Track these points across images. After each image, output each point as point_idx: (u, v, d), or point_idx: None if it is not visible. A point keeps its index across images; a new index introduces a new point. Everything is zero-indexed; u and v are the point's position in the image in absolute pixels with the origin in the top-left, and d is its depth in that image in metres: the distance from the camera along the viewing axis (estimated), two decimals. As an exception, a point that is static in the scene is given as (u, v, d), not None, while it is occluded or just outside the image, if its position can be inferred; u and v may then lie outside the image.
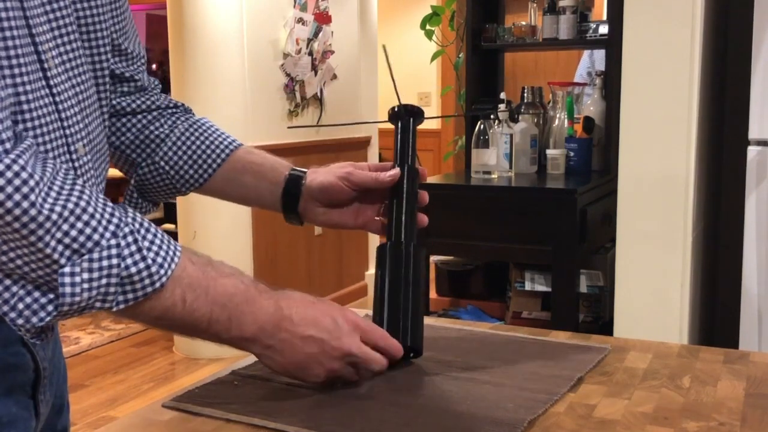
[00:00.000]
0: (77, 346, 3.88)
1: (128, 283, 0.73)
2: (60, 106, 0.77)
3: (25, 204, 0.67)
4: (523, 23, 2.99)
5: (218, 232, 3.66)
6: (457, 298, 2.95)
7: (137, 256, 0.73)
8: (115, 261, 0.72)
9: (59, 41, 0.79)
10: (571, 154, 2.77)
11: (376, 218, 1.04)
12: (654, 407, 0.82)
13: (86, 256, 0.71)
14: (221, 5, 3.59)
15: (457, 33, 3.74)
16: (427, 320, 1.11)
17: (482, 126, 2.66)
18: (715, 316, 2.75)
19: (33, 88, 0.74)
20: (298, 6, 4.07)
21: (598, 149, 2.84)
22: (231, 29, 3.64)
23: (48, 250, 0.69)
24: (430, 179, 2.81)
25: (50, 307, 0.72)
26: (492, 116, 2.71)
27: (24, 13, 0.73)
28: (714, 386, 0.88)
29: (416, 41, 4.81)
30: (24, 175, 0.67)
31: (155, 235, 0.75)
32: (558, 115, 2.88)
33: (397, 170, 0.99)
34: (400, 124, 1.03)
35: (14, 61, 0.71)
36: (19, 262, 0.70)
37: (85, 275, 0.71)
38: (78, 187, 0.72)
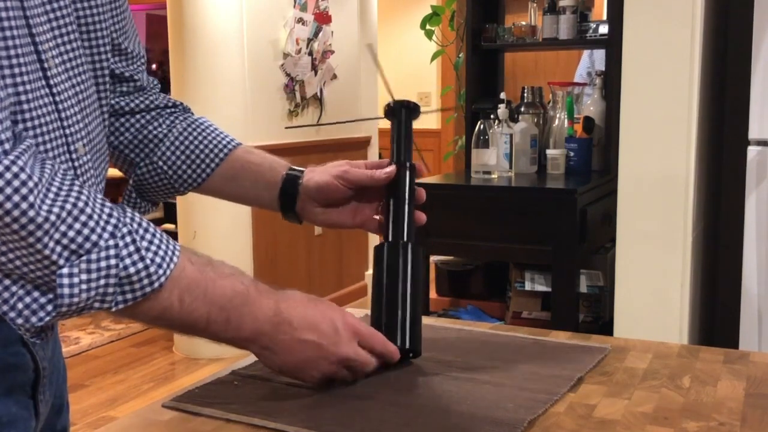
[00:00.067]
0: (77, 346, 3.88)
1: (127, 283, 0.73)
2: (60, 106, 0.77)
3: (24, 205, 0.67)
4: (523, 23, 2.99)
5: (218, 232, 3.66)
6: (457, 298, 2.95)
7: (135, 257, 0.73)
8: (113, 261, 0.72)
9: (59, 41, 0.79)
10: (571, 154, 2.77)
11: (375, 217, 1.03)
12: (654, 407, 0.82)
13: (84, 257, 0.71)
14: (221, 5, 3.59)
15: (457, 33, 3.74)
16: (427, 320, 1.11)
17: (482, 126, 2.66)
18: (715, 316, 2.75)
19: (33, 88, 0.74)
20: (298, 6, 4.07)
21: (598, 149, 2.83)
22: (231, 29, 3.64)
23: (46, 251, 0.69)
24: (431, 179, 2.81)
25: (49, 307, 0.72)
26: (492, 116, 2.71)
27: (24, 13, 0.73)
28: (714, 386, 0.88)
29: (416, 41, 4.81)
30: (23, 176, 0.67)
31: (154, 235, 0.75)
32: (558, 115, 2.88)
33: (392, 167, 0.98)
34: (396, 120, 1.01)
35: (14, 61, 0.71)
36: (18, 262, 0.70)
37: (84, 276, 0.71)
38: (76, 188, 0.72)
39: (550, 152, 2.79)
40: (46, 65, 0.76)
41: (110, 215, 0.73)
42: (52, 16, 0.78)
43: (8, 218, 0.67)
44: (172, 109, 1.04)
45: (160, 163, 1.01)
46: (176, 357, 3.76)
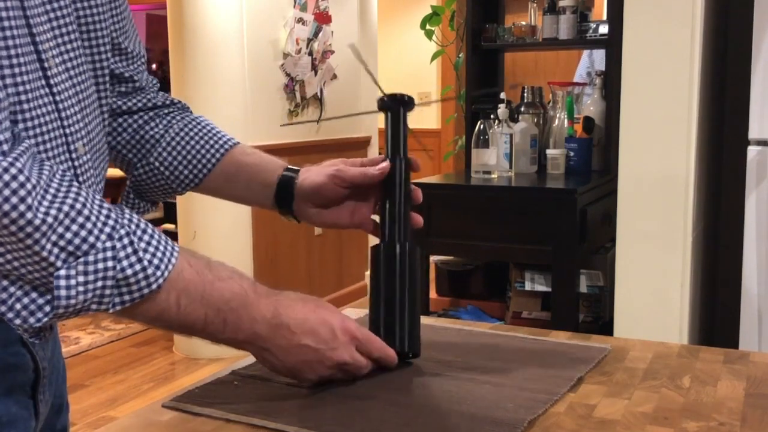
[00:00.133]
0: (77, 346, 3.88)
1: (124, 285, 0.73)
2: (60, 106, 0.77)
3: (22, 207, 0.67)
4: (523, 23, 2.99)
5: (218, 232, 3.66)
6: (457, 298, 2.95)
7: (133, 258, 0.73)
8: (110, 263, 0.72)
9: (59, 41, 0.79)
10: (571, 154, 2.77)
11: (373, 217, 1.02)
12: (654, 407, 0.82)
13: (81, 259, 0.71)
14: (221, 5, 3.59)
15: (457, 33, 3.74)
16: (427, 320, 1.11)
17: (482, 126, 2.66)
18: (715, 316, 2.75)
19: (33, 87, 0.74)
20: (298, 6, 4.07)
21: (598, 149, 2.84)
22: (231, 29, 3.65)
23: (44, 253, 0.69)
24: (431, 179, 2.81)
25: (47, 308, 0.72)
26: (492, 116, 2.71)
27: (24, 13, 0.73)
28: (714, 386, 0.88)
29: (416, 41, 4.81)
30: (21, 178, 0.67)
31: (152, 237, 0.75)
32: (558, 115, 2.88)
33: (386, 163, 0.96)
34: (389, 114, 0.98)
35: (14, 61, 0.71)
36: (16, 264, 0.70)
37: (81, 278, 0.71)
38: (74, 190, 0.72)
39: (550, 152, 2.79)
40: (46, 65, 0.76)
41: (108, 217, 0.73)
42: (52, 15, 0.78)
43: (6, 220, 0.67)
44: (170, 108, 1.03)
45: (157, 164, 1.00)
46: (176, 357, 3.76)
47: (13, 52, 0.71)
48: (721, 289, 2.70)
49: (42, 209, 0.69)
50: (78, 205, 0.71)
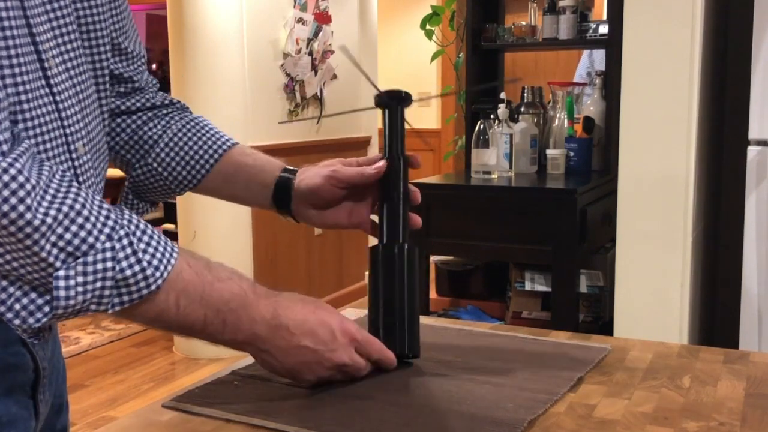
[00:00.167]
0: (77, 346, 3.88)
1: (123, 285, 0.73)
2: (60, 105, 0.77)
3: (21, 207, 0.67)
4: (523, 23, 2.99)
5: (218, 232, 3.66)
6: (457, 298, 2.95)
7: (132, 259, 0.73)
8: (109, 264, 0.72)
9: (59, 41, 0.79)
10: (571, 154, 2.77)
11: (372, 217, 1.01)
12: (654, 407, 0.82)
13: (81, 260, 0.71)
14: (221, 5, 3.59)
15: (457, 33, 3.74)
16: (427, 320, 1.11)
17: (482, 126, 2.66)
18: (715, 316, 2.75)
19: (33, 87, 0.74)
20: (298, 6, 4.07)
21: (598, 149, 2.84)
22: (231, 29, 3.65)
23: (43, 254, 0.69)
24: (431, 179, 2.81)
25: (46, 309, 0.72)
26: (492, 116, 2.71)
27: (24, 13, 0.73)
28: (714, 386, 0.88)
29: (416, 41, 4.81)
30: (21, 178, 0.67)
31: (152, 237, 0.75)
32: (558, 115, 2.88)
33: (383, 162, 0.95)
34: (386, 112, 0.96)
35: (14, 61, 0.71)
36: (15, 264, 0.70)
37: (80, 278, 0.71)
38: (74, 190, 0.72)
39: (550, 152, 2.79)
40: (46, 65, 0.76)
41: (108, 217, 0.73)
42: (52, 15, 0.78)
43: (5, 220, 0.67)
44: (169, 109, 1.03)
45: (155, 164, 1.00)
46: (176, 357, 3.76)
47: (13, 52, 0.71)
48: (721, 289, 2.70)
49: (41, 210, 0.69)
50: (77, 206, 0.71)
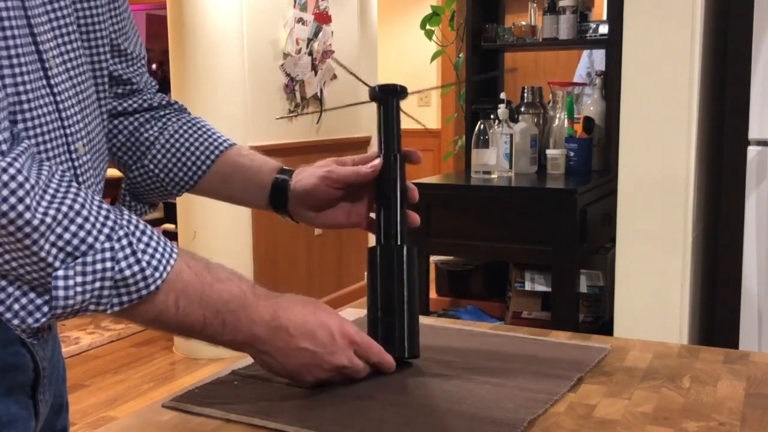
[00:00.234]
0: (77, 346, 3.88)
1: (122, 285, 0.73)
2: (60, 106, 0.77)
3: (21, 207, 0.67)
4: (523, 23, 2.99)
5: (218, 232, 3.66)
6: (457, 298, 2.95)
7: (132, 259, 0.73)
8: (108, 264, 0.72)
9: (60, 41, 0.79)
10: (571, 154, 2.77)
11: (371, 215, 0.99)
12: (654, 407, 0.82)
13: (80, 260, 0.71)
14: (221, 5, 3.59)
15: (457, 33, 3.74)
16: (427, 320, 1.11)
17: (482, 126, 2.66)
18: (715, 316, 2.75)
19: (34, 87, 0.74)
20: (298, 6, 4.07)
21: (598, 149, 2.84)
22: (231, 29, 3.64)
23: (42, 254, 0.69)
24: (430, 179, 2.81)
25: (45, 309, 0.72)
26: (492, 116, 2.71)
27: (25, 13, 0.73)
28: (714, 386, 0.88)
29: (416, 41, 4.81)
30: (20, 178, 0.67)
31: (151, 238, 0.75)
32: (558, 115, 2.88)
33: (378, 160, 0.93)
34: (381, 107, 0.93)
35: (15, 60, 0.71)
36: (14, 264, 0.70)
37: (79, 278, 0.71)
38: (73, 190, 0.72)
39: (550, 152, 2.79)
40: (47, 65, 0.76)
41: (107, 217, 0.73)
42: (52, 15, 0.78)
43: (4, 220, 0.67)
44: (167, 110, 1.02)
45: (152, 166, 1.00)
46: (176, 357, 3.76)
47: (13, 52, 0.71)
48: (721, 289, 2.70)
49: (41, 209, 0.69)
50: (77, 206, 0.71)
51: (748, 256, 2.17)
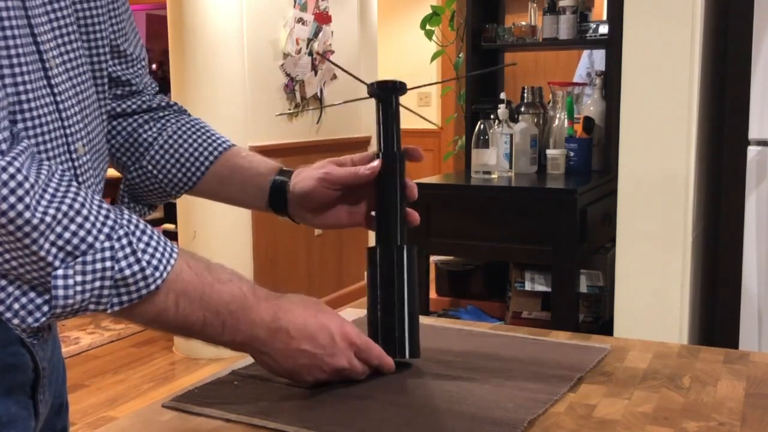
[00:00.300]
0: (77, 346, 3.88)
1: (122, 285, 0.72)
2: (61, 106, 0.77)
3: (20, 206, 0.67)
4: (523, 23, 2.99)
5: (218, 232, 3.66)
6: (457, 298, 2.95)
7: (132, 259, 0.73)
8: (108, 264, 0.71)
9: (60, 41, 0.79)
10: (571, 154, 2.77)
11: (372, 213, 0.98)
12: (654, 407, 0.82)
13: (80, 259, 0.70)
14: (221, 5, 3.59)
15: (457, 33, 3.74)
16: (427, 320, 1.11)
17: (482, 126, 2.66)
18: (715, 316, 2.75)
19: (34, 87, 0.74)
20: (298, 6, 4.07)
21: (598, 149, 2.84)
22: (231, 29, 3.64)
23: (42, 253, 0.69)
24: (430, 179, 2.81)
25: (45, 308, 0.72)
26: (492, 116, 2.71)
27: (26, 13, 0.73)
28: (714, 386, 0.88)
29: (416, 41, 4.81)
30: (19, 177, 0.67)
31: (151, 237, 0.75)
32: (558, 115, 2.88)
33: (377, 162, 0.92)
34: (379, 104, 0.91)
35: (15, 60, 0.71)
36: (14, 263, 0.70)
37: (78, 278, 0.71)
38: (73, 189, 0.72)
39: (550, 152, 2.79)
40: (47, 65, 0.76)
41: (107, 217, 0.73)
42: (53, 16, 0.78)
43: (4, 219, 0.67)
44: (166, 111, 1.02)
45: (150, 167, 0.99)
46: (176, 357, 3.76)
47: (13, 51, 0.71)
48: (721, 289, 2.70)
49: (40, 208, 0.68)
50: (77, 205, 0.71)
51: (748, 256, 2.17)
